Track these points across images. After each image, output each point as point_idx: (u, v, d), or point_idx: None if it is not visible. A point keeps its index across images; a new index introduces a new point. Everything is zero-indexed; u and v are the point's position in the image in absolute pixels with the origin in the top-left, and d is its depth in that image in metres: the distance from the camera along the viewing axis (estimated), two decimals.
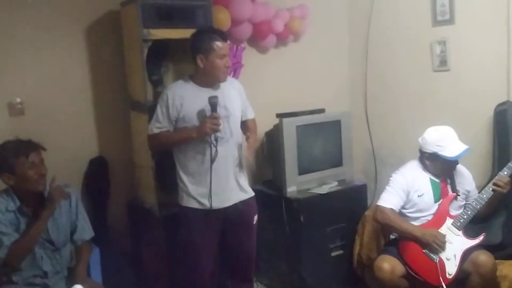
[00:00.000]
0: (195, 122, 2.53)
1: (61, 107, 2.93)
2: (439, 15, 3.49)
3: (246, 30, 3.33)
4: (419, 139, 2.80)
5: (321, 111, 3.41)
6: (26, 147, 2.30)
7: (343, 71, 4.10)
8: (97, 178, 3.03)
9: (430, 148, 2.72)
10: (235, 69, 3.39)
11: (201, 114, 2.52)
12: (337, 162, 3.43)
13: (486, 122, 3.26)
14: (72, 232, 2.50)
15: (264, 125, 3.30)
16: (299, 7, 3.63)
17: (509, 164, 2.67)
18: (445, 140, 2.68)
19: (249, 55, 3.53)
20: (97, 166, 3.04)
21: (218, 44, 2.49)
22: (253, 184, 3.29)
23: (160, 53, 2.95)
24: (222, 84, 2.59)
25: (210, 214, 2.57)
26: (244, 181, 2.72)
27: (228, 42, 3.26)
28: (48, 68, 2.88)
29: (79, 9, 2.93)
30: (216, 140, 2.49)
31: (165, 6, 2.79)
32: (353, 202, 3.36)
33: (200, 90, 2.55)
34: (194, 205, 2.58)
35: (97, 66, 3.03)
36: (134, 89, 2.93)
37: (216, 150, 2.51)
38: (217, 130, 2.45)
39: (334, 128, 3.40)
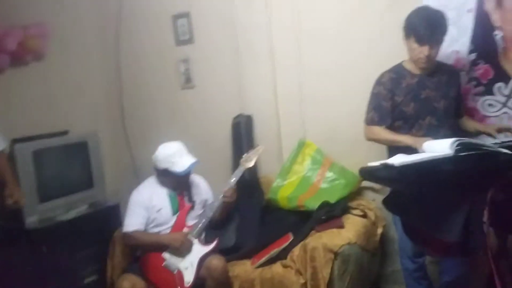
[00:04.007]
0: None
1: None
2: (181, 34, 3.67)
3: None
4: (153, 156, 2.87)
5: (64, 133, 3.28)
6: None
7: (96, 90, 4.00)
8: None
9: (162, 165, 2.81)
10: None
11: None
12: (87, 184, 3.33)
13: (226, 134, 3.53)
14: None
15: None
16: (36, 25, 3.42)
17: (236, 171, 2.91)
18: (174, 156, 2.80)
19: None
20: None
21: None
22: None
23: None
24: None
25: None
26: None
27: None
28: None
29: None
30: None
31: None
32: (106, 224, 3.28)
33: None
34: None
35: None
36: None
37: None
38: None
39: (80, 149, 3.30)
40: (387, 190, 2.37)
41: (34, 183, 2.98)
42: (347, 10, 3.16)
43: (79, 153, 3.29)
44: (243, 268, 2.83)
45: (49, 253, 2.94)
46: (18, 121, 3.34)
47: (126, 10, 3.82)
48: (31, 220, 2.96)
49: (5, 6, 3.30)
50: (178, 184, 2.89)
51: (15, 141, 3.03)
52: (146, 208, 2.83)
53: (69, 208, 3.19)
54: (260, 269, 2.79)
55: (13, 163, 2.95)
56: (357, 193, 3.21)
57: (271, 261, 2.82)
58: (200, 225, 2.82)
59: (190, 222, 2.87)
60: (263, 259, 2.82)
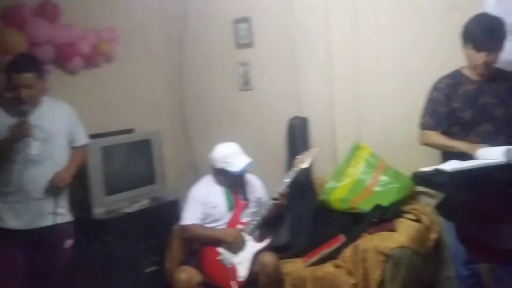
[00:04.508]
0: None
1: None
2: (241, 38, 3.80)
3: (47, 51, 3.27)
4: (209, 156, 3.00)
5: (130, 131, 3.49)
6: None
7: (160, 92, 4.21)
8: None
9: (218, 165, 2.95)
10: None
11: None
12: (150, 180, 3.53)
13: (282, 135, 3.62)
14: None
15: None
16: (108, 29, 3.68)
17: (290, 172, 2.99)
18: (230, 156, 2.93)
19: (56, 77, 3.47)
20: None
21: (11, 76, 2.53)
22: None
23: None
24: (45, 105, 2.66)
25: (13, 234, 2.54)
26: (61, 205, 2.71)
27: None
28: None
29: None
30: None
31: None
32: (165, 218, 3.45)
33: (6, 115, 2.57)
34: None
35: None
36: None
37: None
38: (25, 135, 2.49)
39: (144, 147, 3.50)
40: (442, 195, 2.36)
41: (102, 177, 3.21)
42: (406, 13, 3.16)
43: (143, 150, 3.50)
44: (295, 266, 2.91)
45: (113, 243, 3.15)
46: (89, 119, 3.59)
47: (190, 15, 4.00)
48: (98, 211, 3.19)
49: (79, 12, 3.57)
50: (234, 183, 3.01)
51: None
52: (203, 204, 2.98)
53: (133, 202, 3.40)
54: (311, 268, 2.86)
55: None
56: (411, 197, 3.19)
57: (322, 260, 2.88)
58: (253, 223, 2.93)
59: (245, 219, 2.98)
60: (315, 258, 2.89)
